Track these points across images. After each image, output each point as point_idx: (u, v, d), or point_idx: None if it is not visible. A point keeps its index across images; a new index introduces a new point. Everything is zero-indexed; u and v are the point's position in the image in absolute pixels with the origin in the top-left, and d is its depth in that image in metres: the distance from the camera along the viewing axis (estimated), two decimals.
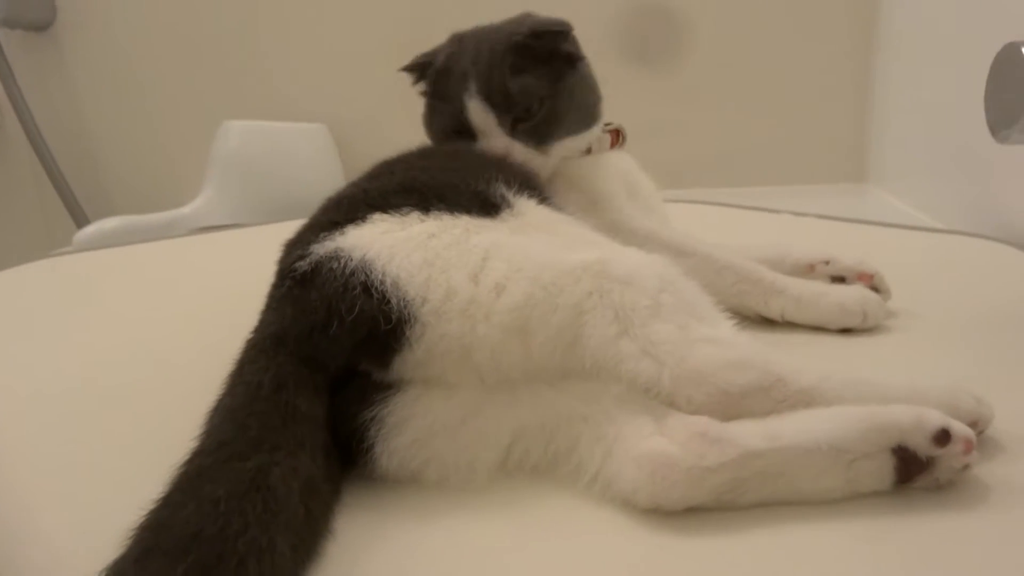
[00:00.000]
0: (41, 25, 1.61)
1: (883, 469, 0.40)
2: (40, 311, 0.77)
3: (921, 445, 0.39)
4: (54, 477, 0.47)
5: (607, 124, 0.71)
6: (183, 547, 0.33)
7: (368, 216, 0.49)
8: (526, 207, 0.52)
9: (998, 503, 0.40)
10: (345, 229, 0.48)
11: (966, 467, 0.40)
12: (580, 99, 0.66)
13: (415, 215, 0.48)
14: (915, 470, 0.40)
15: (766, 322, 0.63)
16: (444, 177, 0.53)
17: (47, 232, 1.70)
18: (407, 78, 0.69)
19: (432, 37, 0.70)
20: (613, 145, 0.71)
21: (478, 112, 0.63)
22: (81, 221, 1.58)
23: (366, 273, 0.44)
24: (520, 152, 0.63)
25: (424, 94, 0.69)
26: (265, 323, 0.47)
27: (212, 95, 1.58)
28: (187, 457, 0.38)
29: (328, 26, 1.52)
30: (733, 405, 0.42)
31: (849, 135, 1.44)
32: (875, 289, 0.65)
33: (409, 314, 0.44)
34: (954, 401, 0.43)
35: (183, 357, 0.61)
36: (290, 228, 0.53)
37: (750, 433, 0.40)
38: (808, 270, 0.68)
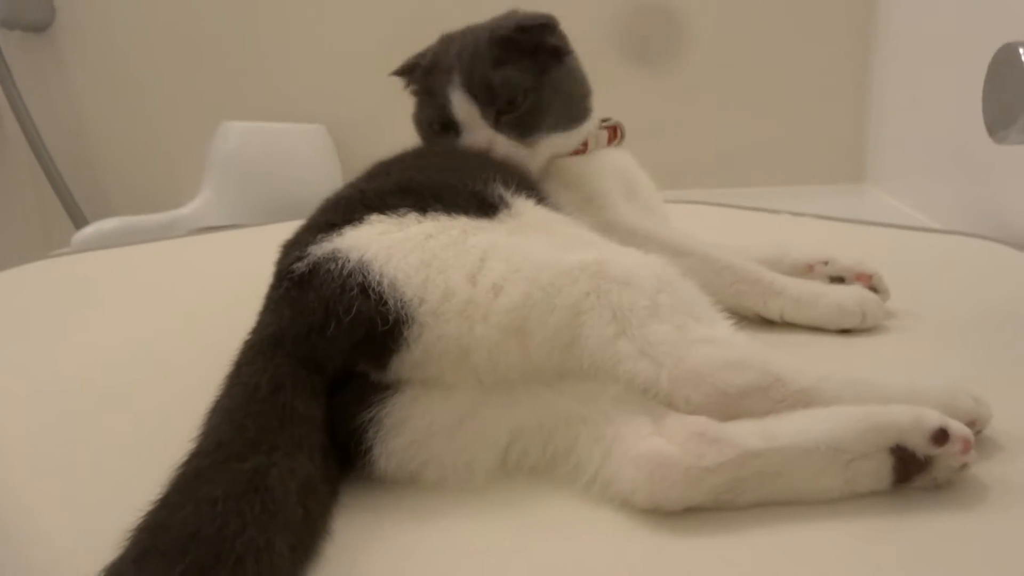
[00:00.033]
0: (40, 26, 1.61)
1: (881, 469, 0.40)
2: (39, 312, 0.77)
3: (919, 445, 0.39)
4: (53, 477, 0.47)
5: (605, 120, 0.71)
6: (181, 548, 0.33)
7: (365, 217, 0.49)
8: (524, 207, 0.52)
9: (996, 502, 0.40)
10: (342, 230, 0.48)
11: (964, 467, 0.40)
12: (566, 92, 0.65)
13: (412, 216, 0.48)
14: (913, 470, 0.40)
15: (765, 322, 0.63)
16: (441, 177, 0.53)
17: (46, 233, 1.70)
18: (402, 80, 0.69)
19: (431, 38, 0.70)
20: (611, 142, 0.71)
21: (461, 104, 0.63)
22: (80, 222, 1.58)
23: (363, 274, 0.44)
24: (503, 145, 0.63)
25: (413, 92, 0.69)
26: (263, 324, 0.47)
27: (211, 96, 1.58)
28: (185, 458, 0.38)
29: (327, 27, 1.52)
30: (731, 405, 0.42)
31: (847, 135, 1.44)
32: (874, 289, 0.65)
33: (406, 315, 0.44)
34: (952, 401, 0.43)
35: (182, 357, 0.61)
36: (289, 229, 0.53)
37: (748, 433, 0.40)
38: (807, 270, 0.68)
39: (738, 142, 1.44)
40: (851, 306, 0.62)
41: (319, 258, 0.46)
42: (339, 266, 0.45)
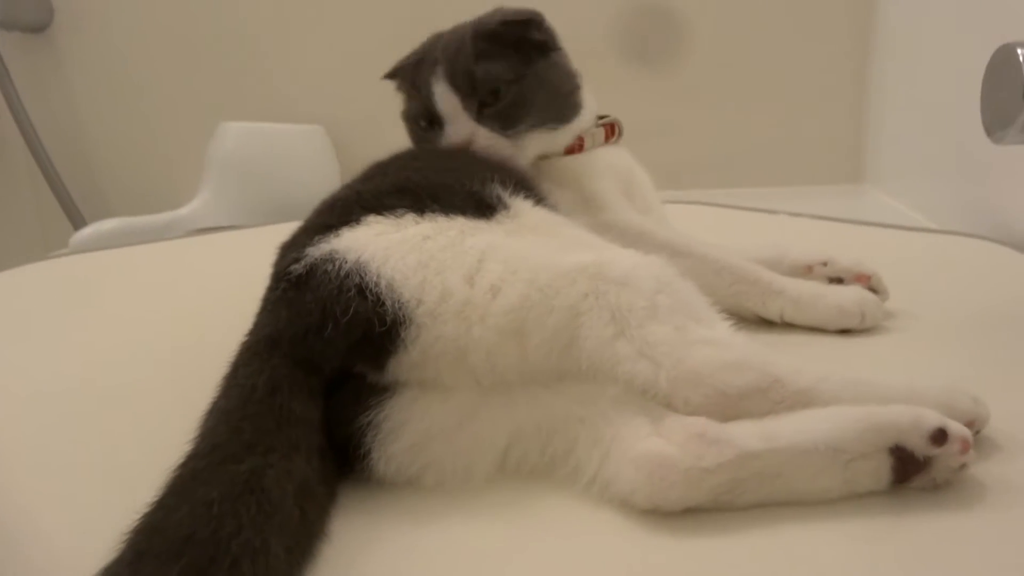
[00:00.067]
0: (38, 26, 1.61)
1: (880, 469, 0.40)
2: (38, 313, 0.77)
3: (918, 445, 0.39)
4: (53, 477, 0.47)
5: (602, 118, 0.71)
6: (176, 550, 0.33)
7: (362, 218, 0.48)
8: (522, 208, 0.52)
9: (995, 502, 0.40)
10: (340, 231, 0.48)
11: (963, 467, 0.40)
12: (550, 86, 0.64)
13: (410, 217, 0.48)
14: (912, 470, 0.40)
15: (764, 323, 0.63)
16: (439, 178, 0.53)
17: (44, 234, 1.70)
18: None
19: None
20: (608, 139, 0.70)
21: (444, 96, 0.62)
22: (78, 223, 1.58)
23: (361, 275, 0.44)
24: (485, 137, 0.62)
25: (402, 90, 0.69)
26: (260, 326, 0.47)
27: (209, 96, 1.58)
28: (181, 460, 0.38)
29: (325, 27, 1.52)
30: (731, 406, 0.41)
31: (846, 136, 1.44)
32: (873, 290, 0.65)
33: (404, 316, 0.44)
34: (951, 401, 0.43)
35: (181, 358, 0.61)
36: (288, 230, 0.53)
37: (748, 434, 0.40)
38: (806, 271, 0.68)
39: (737, 142, 1.44)
40: (850, 307, 0.62)
41: (316, 259, 0.46)
42: (336, 267, 0.45)
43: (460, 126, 0.62)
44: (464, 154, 0.62)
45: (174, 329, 0.69)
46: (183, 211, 1.47)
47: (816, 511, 0.39)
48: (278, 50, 1.55)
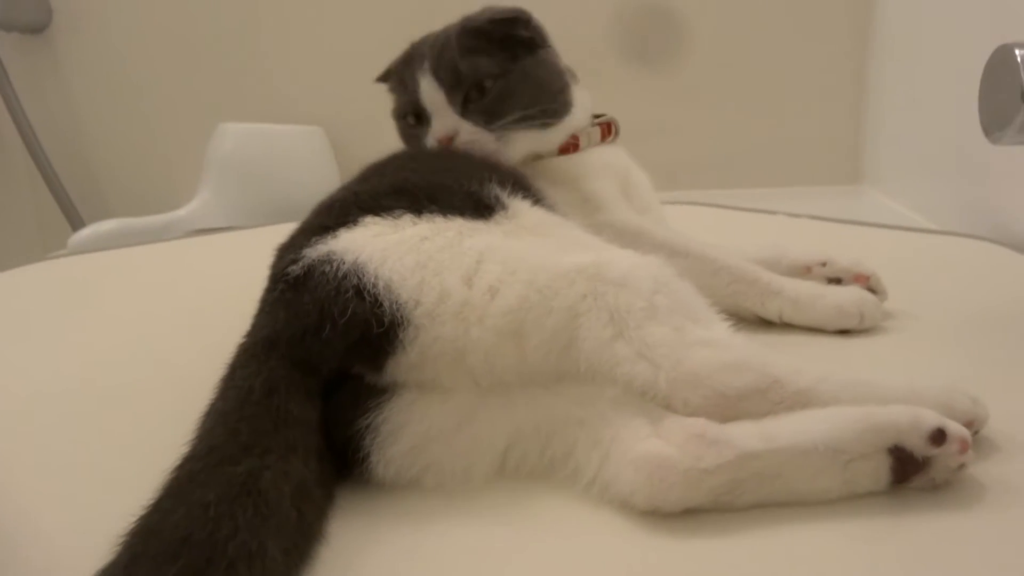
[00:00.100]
0: (37, 27, 1.61)
1: (879, 469, 0.40)
2: (37, 314, 0.77)
3: (917, 445, 0.39)
4: (53, 477, 0.48)
5: (598, 116, 0.70)
6: (172, 552, 0.33)
7: (360, 219, 0.48)
8: (520, 209, 0.52)
9: (994, 502, 0.40)
10: (337, 233, 0.48)
11: (962, 467, 0.40)
12: (537, 81, 0.64)
13: (408, 218, 0.48)
14: (911, 470, 0.40)
15: (762, 323, 0.63)
16: (436, 178, 0.53)
17: (42, 235, 1.70)
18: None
19: None
20: (604, 139, 0.70)
21: (429, 90, 0.62)
22: (76, 224, 1.58)
23: (358, 276, 0.44)
24: (468, 132, 0.62)
25: (392, 90, 0.69)
26: (257, 327, 0.47)
27: (208, 97, 1.58)
28: (178, 462, 0.38)
29: (324, 28, 1.52)
30: (730, 407, 0.41)
31: (845, 136, 1.44)
32: (871, 290, 0.65)
33: (402, 317, 0.43)
34: (950, 401, 0.43)
35: (180, 359, 0.61)
36: (286, 231, 0.53)
37: (747, 435, 0.40)
38: (804, 271, 0.68)
39: (735, 143, 1.44)
40: (849, 307, 0.62)
41: (314, 260, 0.46)
42: (334, 268, 0.45)
43: (444, 120, 0.62)
44: (461, 155, 0.62)
45: (173, 330, 0.69)
46: (182, 212, 1.47)
47: (815, 511, 0.39)
48: (277, 51, 1.55)
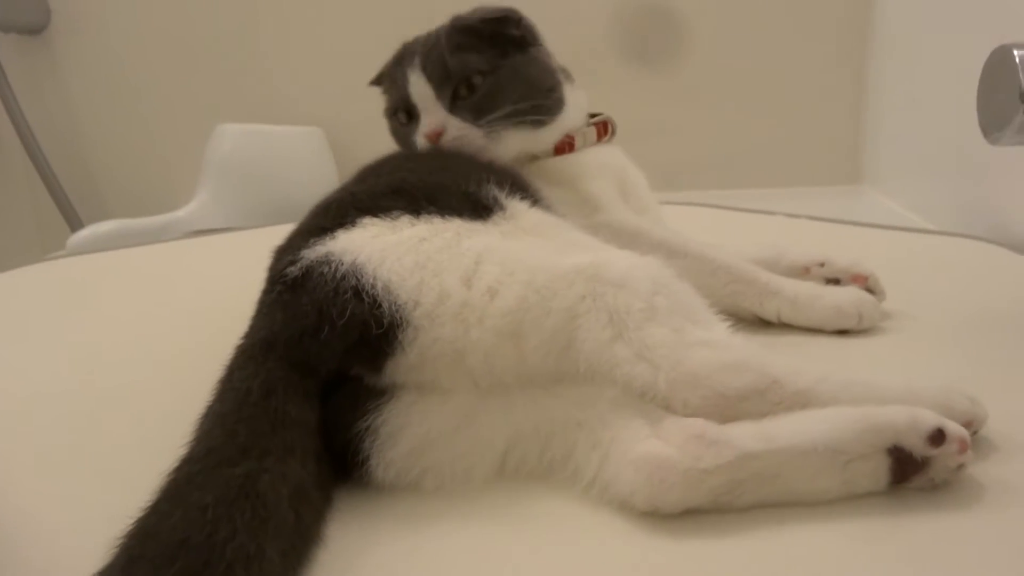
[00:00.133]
0: (35, 28, 1.61)
1: (879, 470, 0.40)
2: (36, 314, 0.77)
3: (916, 445, 0.39)
4: (53, 477, 0.48)
5: (595, 116, 0.70)
6: (169, 554, 0.33)
7: (358, 220, 0.48)
8: (519, 209, 0.52)
9: (993, 502, 0.40)
10: (335, 234, 0.48)
11: (961, 467, 0.40)
12: (526, 78, 0.64)
13: (406, 218, 0.48)
14: (910, 470, 0.40)
15: (761, 323, 0.63)
16: (434, 179, 0.52)
17: (41, 236, 1.70)
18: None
19: None
20: (601, 138, 0.70)
21: (418, 85, 0.62)
22: (75, 225, 1.58)
23: (357, 277, 0.44)
24: (456, 128, 0.62)
25: (385, 91, 0.69)
26: (255, 328, 0.47)
27: (206, 98, 1.58)
28: (175, 464, 0.38)
29: (323, 29, 1.52)
30: (729, 408, 0.41)
31: (844, 137, 1.44)
32: (870, 291, 0.65)
33: (401, 318, 0.43)
34: (948, 401, 0.43)
35: (179, 359, 0.61)
36: (285, 231, 0.53)
37: (746, 435, 0.40)
38: (803, 272, 0.68)
39: (735, 143, 1.45)
40: (848, 307, 0.62)
41: (312, 262, 0.46)
42: (332, 269, 0.45)
43: (433, 116, 0.62)
44: (459, 155, 0.62)
45: (171, 331, 0.69)
46: (180, 213, 1.47)
47: (815, 511, 0.39)
48: (276, 52, 1.55)
